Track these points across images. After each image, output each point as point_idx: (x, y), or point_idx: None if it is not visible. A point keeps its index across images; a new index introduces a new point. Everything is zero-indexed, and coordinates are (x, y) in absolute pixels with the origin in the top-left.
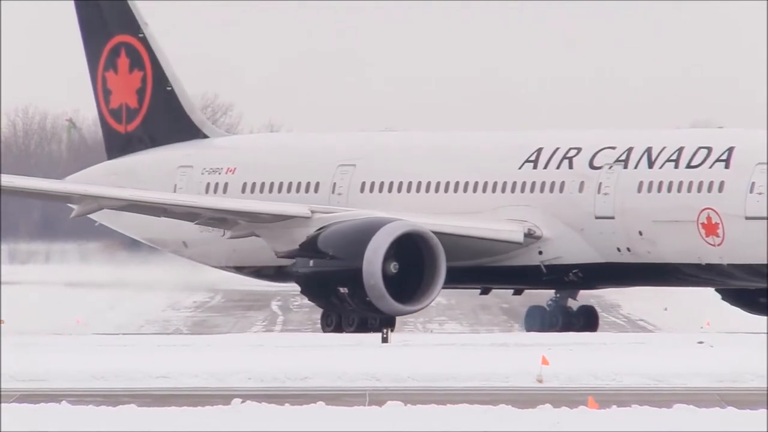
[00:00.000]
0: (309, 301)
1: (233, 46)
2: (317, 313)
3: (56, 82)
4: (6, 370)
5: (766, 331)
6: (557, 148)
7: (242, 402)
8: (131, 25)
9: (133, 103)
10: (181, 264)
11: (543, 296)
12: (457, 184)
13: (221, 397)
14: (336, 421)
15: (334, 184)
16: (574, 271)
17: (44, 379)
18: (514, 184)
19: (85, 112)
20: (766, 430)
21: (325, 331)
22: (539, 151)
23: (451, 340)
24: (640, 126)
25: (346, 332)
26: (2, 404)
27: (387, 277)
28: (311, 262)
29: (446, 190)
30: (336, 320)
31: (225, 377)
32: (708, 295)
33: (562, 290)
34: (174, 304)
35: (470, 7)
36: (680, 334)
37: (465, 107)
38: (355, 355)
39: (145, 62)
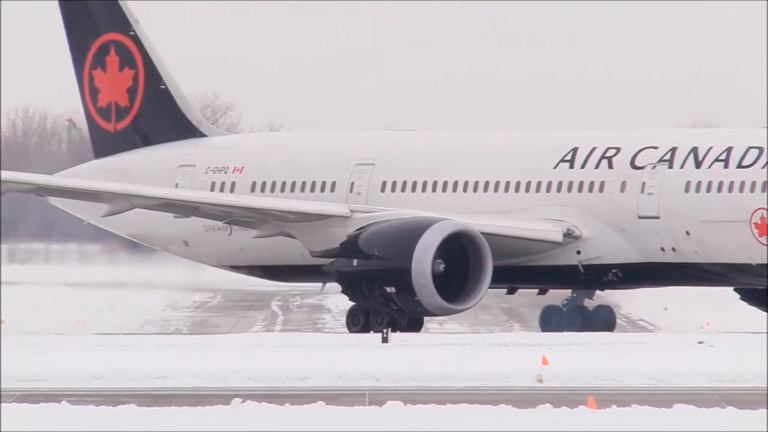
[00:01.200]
0: (351, 300)
1: (233, 46)
2: (317, 313)
3: (56, 82)
4: (6, 370)
5: (766, 331)
6: (594, 148)
7: (242, 402)
8: (121, 23)
9: (123, 102)
10: (181, 264)
11: (557, 296)
12: (486, 183)
13: (221, 397)
14: (336, 421)
15: (352, 183)
16: (613, 270)
17: (44, 379)
18: (549, 183)
19: None
20: (766, 430)
21: (351, 331)
22: (575, 150)
23: (451, 340)
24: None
25: (375, 332)
26: (2, 404)
27: (434, 277)
28: (355, 262)
29: (475, 189)
30: (363, 320)
31: (225, 377)
32: (708, 295)
33: (597, 290)
34: (174, 304)
35: (469, 6)
36: (680, 334)
37: (465, 107)
38: (355, 355)
39: (136, 60)
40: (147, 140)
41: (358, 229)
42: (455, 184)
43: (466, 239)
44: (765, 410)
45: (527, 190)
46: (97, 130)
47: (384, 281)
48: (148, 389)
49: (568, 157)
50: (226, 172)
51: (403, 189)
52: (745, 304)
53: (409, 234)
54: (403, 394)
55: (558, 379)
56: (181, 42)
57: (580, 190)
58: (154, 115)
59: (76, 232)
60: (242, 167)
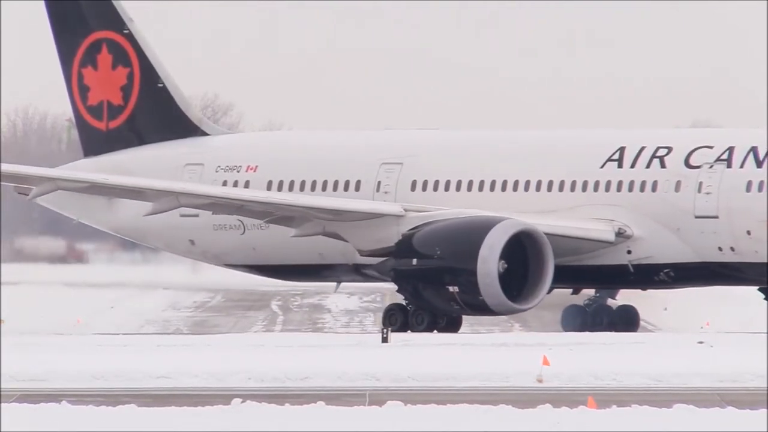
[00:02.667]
0: (406, 300)
1: (233, 46)
2: (318, 313)
3: (56, 82)
4: (6, 370)
5: (766, 331)
6: (643, 147)
7: (242, 402)
8: (114, 21)
9: (116, 100)
10: (181, 264)
11: (569, 296)
12: (527, 182)
13: (221, 397)
14: (336, 421)
15: (379, 182)
16: (665, 270)
17: (44, 379)
18: (597, 183)
19: None
20: (766, 430)
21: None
22: (622, 150)
23: (451, 340)
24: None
25: (413, 332)
26: (2, 404)
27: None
28: (415, 261)
29: (515, 188)
30: (401, 319)
31: (225, 377)
32: (708, 295)
33: (644, 289)
34: (174, 304)
35: (468, 6)
36: (680, 334)
37: (464, 106)
38: (355, 355)
39: (131, 59)
40: (142, 139)
41: (412, 229)
42: (493, 183)
43: (529, 238)
44: (765, 410)
45: (572, 189)
46: (87, 129)
47: (446, 280)
48: (148, 389)
49: (616, 157)
50: (238, 171)
51: (436, 188)
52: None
53: (474, 233)
54: (403, 394)
55: (558, 379)
56: (180, 42)
57: (630, 189)
58: (151, 114)
59: (73, 231)
60: (256, 166)
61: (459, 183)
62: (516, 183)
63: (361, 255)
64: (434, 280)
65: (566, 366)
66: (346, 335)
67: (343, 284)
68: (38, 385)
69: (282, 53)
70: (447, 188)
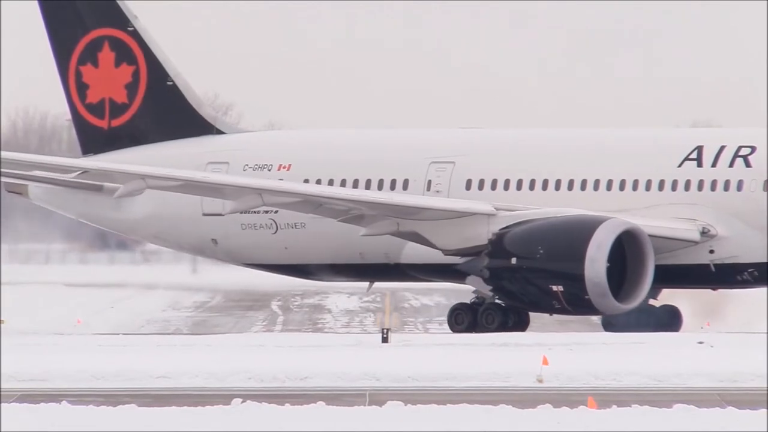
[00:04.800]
0: (502, 299)
1: (233, 46)
2: (318, 313)
3: (56, 82)
4: (6, 370)
5: (766, 331)
6: (723, 146)
7: (242, 402)
8: (116, 19)
9: (120, 98)
10: (182, 264)
11: None
12: (597, 181)
13: (221, 397)
14: (336, 421)
15: (429, 181)
16: (749, 270)
17: (44, 379)
18: (675, 182)
19: None
20: (766, 430)
21: (455, 331)
22: (700, 149)
23: (451, 340)
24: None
25: (483, 332)
26: (2, 404)
27: None
28: (514, 260)
29: (583, 187)
30: (469, 319)
31: (225, 377)
32: (708, 295)
33: (728, 289)
34: (174, 304)
35: (468, 6)
36: (680, 334)
37: (465, 106)
38: (355, 355)
39: (136, 56)
40: (148, 138)
41: (505, 227)
42: (558, 182)
43: (631, 238)
44: (765, 410)
45: (647, 188)
46: (86, 127)
47: (550, 280)
48: (148, 389)
49: (694, 156)
50: (269, 170)
51: (494, 187)
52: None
53: (579, 232)
54: (403, 394)
55: (558, 379)
56: (180, 42)
57: (713, 188)
58: (160, 112)
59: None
60: (289, 165)
61: (520, 182)
62: (584, 182)
63: (446, 254)
64: (536, 279)
65: (566, 366)
66: (346, 335)
67: (344, 284)
68: (38, 385)
69: (282, 53)
70: (506, 187)
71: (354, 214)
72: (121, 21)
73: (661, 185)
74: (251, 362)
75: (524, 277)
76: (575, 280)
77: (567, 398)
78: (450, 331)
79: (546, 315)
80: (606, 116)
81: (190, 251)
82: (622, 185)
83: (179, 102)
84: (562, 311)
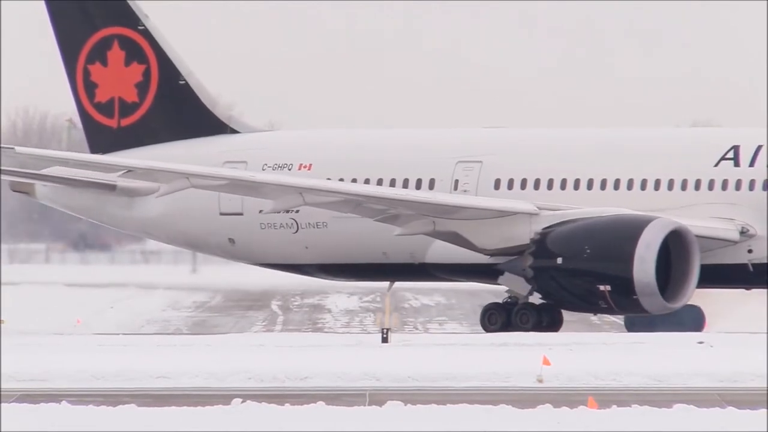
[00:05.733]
0: (548, 299)
1: (233, 46)
2: (318, 313)
3: (56, 82)
4: (6, 370)
5: (766, 331)
6: (760, 146)
7: (242, 402)
8: (126, 17)
9: (130, 97)
10: (182, 264)
11: None
12: (631, 181)
13: (221, 397)
14: (336, 421)
15: (456, 180)
16: None
17: (44, 379)
18: (711, 181)
19: None
20: (766, 430)
21: (488, 331)
22: (736, 148)
23: (451, 340)
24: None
25: (517, 332)
26: (2, 404)
27: None
28: (559, 260)
29: (616, 187)
30: (503, 319)
31: (225, 377)
32: (708, 295)
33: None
34: (174, 304)
35: (468, 5)
36: (680, 334)
37: (466, 105)
38: (355, 355)
39: (147, 55)
40: (159, 137)
41: (548, 227)
42: (590, 181)
43: (678, 237)
44: (765, 410)
45: (683, 188)
46: (94, 126)
47: (597, 279)
48: (148, 389)
49: (730, 155)
50: (290, 169)
51: (523, 187)
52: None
53: (627, 232)
54: (403, 394)
55: (558, 379)
56: (181, 42)
57: (751, 188)
58: (172, 111)
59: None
60: (310, 164)
61: (551, 182)
62: (617, 182)
63: (485, 254)
64: (582, 279)
65: (566, 366)
66: (346, 335)
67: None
68: (38, 385)
69: (282, 53)
70: (537, 187)
71: (391, 213)
72: (132, 20)
73: (698, 185)
74: (251, 362)
75: (570, 276)
76: (623, 279)
77: (567, 398)
78: (482, 330)
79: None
80: (606, 116)
81: (205, 251)
82: (657, 185)
83: (192, 101)
84: (608, 311)
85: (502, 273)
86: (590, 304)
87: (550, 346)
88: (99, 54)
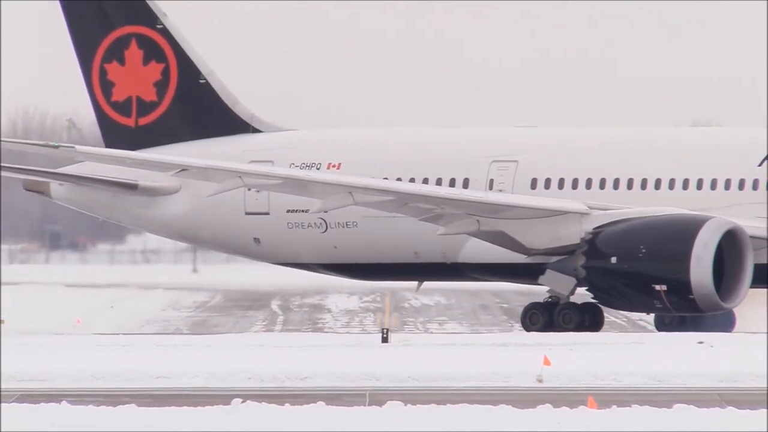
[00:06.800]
0: (598, 301)
1: (233, 46)
2: (318, 313)
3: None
4: (6, 370)
5: (766, 331)
6: None
7: (242, 402)
8: (145, 16)
9: (148, 96)
10: (182, 264)
11: None
12: (672, 180)
13: (221, 397)
14: (336, 421)
15: (491, 180)
16: None
17: (44, 379)
18: (756, 181)
19: (85, 111)
20: (766, 430)
21: (529, 330)
22: None
23: (451, 340)
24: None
25: (559, 331)
26: (2, 404)
27: None
28: (613, 260)
29: (657, 186)
30: (544, 319)
31: (225, 377)
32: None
33: None
34: (174, 304)
35: (468, 5)
36: (680, 334)
37: (468, 104)
38: (355, 355)
39: (166, 54)
40: (179, 136)
41: (599, 226)
42: (630, 181)
43: (733, 237)
44: (765, 410)
45: (727, 188)
46: (110, 125)
47: (653, 279)
48: (148, 389)
49: None
50: (318, 168)
51: (561, 186)
52: None
53: (683, 231)
54: (403, 394)
55: (558, 379)
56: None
57: None
58: (191, 110)
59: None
60: (339, 164)
61: (589, 181)
62: (658, 181)
63: (533, 253)
64: (638, 279)
65: (566, 366)
66: (346, 335)
67: (344, 284)
68: (38, 385)
69: (285, 53)
70: (575, 186)
71: (436, 212)
72: (150, 18)
73: (742, 184)
74: (251, 362)
75: (625, 276)
76: (680, 279)
77: (567, 398)
78: (526, 330)
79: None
80: (606, 116)
81: (228, 250)
82: (700, 184)
83: (212, 100)
84: (663, 310)
85: (542, 272)
86: (645, 303)
87: (550, 346)
88: (116, 53)
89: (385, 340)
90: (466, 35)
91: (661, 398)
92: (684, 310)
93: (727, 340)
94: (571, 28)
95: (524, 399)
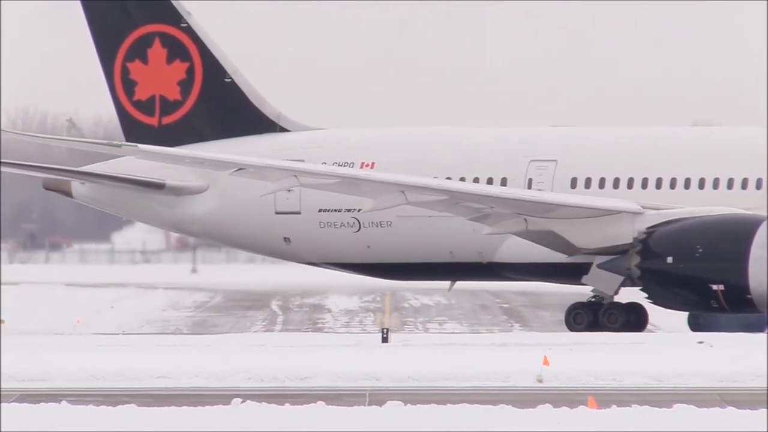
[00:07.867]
0: (653, 301)
1: (233, 46)
2: (318, 313)
3: (56, 82)
4: (6, 370)
5: (766, 331)
6: None
7: (242, 402)
8: (168, 15)
9: (172, 95)
10: (181, 264)
11: None
12: (716, 180)
13: (221, 397)
14: (336, 421)
15: (530, 179)
16: None
17: (44, 379)
18: None
19: (85, 111)
20: (766, 430)
21: (573, 330)
22: None
23: (451, 340)
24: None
25: (604, 331)
26: (2, 404)
27: None
28: (670, 259)
29: (701, 186)
30: (588, 319)
31: (225, 377)
32: None
33: None
34: (174, 304)
35: (467, 5)
36: (680, 334)
37: (470, 104)
38: (355, 355)
39: (191, 53)
40: (203, 135)
41: (653, 226)
42: (673, 180)
43: None
44: (765, 410)
45: (758, 187)
46: (132, 124)
47: (710, 279)
48: (148, 389)
49: None
50: (351, 167)
51: (602, 186)
52: None
53: (740, 231)
54: (403, 394)
55: (558, 379)
56: None
57: None
58: (217, 109)
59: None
60: (372, 163)
61: (631, 180)
62: (702, 180)
63: (584, 253)
64: (694, 279)
65: (566, 366)
66: (346, 335)
67: (344, 284)
68: (38, 385)
69: (288, 53)
70: (616, 186)
71: (485, 212)
72: (174, 17)
73: None
74: (251, 362)
75: (681, 276)
76: (738, 279)
77: (567, 398)
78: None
79: (546, 314)
80: (606, 115)
81: (256, 250)
82: (744, 184)
83: (238, 99)
84: (720, 310)
85: (583, 272)
86: (702, 303)
87: (550, 346)
88: (139, 52)
89: (385, 340)
90: (469, 35)
91: (661, 398)
92: (740, 310)
93: (727, 340)
94: (570, 28)
95: (524, 399)
